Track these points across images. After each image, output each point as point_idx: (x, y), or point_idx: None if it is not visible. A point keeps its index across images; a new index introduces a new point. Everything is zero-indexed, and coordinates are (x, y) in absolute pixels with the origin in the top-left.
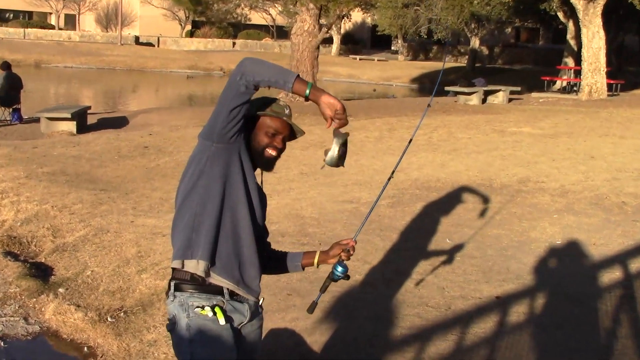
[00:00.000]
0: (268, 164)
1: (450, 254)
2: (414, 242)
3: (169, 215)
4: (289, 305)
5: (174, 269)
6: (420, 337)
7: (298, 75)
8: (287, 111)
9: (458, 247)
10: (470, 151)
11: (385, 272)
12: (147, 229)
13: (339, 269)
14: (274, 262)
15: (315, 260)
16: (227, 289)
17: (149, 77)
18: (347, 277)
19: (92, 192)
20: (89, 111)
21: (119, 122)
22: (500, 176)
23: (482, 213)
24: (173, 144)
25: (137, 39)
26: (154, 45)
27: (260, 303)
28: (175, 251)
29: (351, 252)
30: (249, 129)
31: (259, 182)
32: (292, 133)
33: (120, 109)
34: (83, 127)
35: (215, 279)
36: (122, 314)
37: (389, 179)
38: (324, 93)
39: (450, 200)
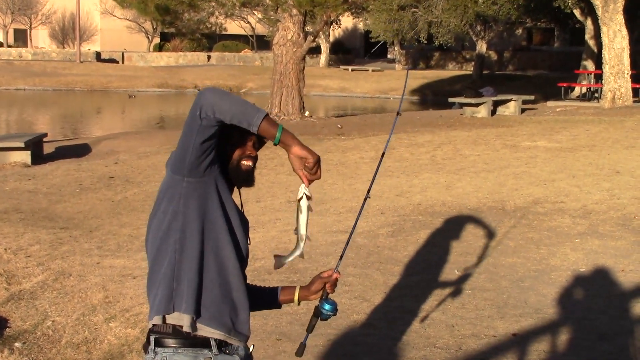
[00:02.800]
0: (248, 178)
1: (459, 287)
2: (419, 276)
3: (139, 255)
4: (279, 351)
5: (154, 325)
6: None
7: (267, 114)
8: None
9: (468, 279)
10: (479, 170)
11: (387, 311)
12: (115, 270)
13: (327, 306)
14: (250, 297)
15: (296, 297)
16: (216, 339)
17: (114, 97)
18: (336, 313)
19: (51, 231)
20: (45, 139)
21: (80, 151)
22: (514, 197)
23: (494, 240)
24: (142, 173)
25: (98, 55)
26: (118, 62)
27: (250, 350)
28: (155, 305)
29: (335, 285)
30: (221, 148)
31: (239, 206)
32: (259, 138)
33: (82, 136)
34: (39, 158)
35: (204, 330)
36: None
37: (365, 200)
38: (296, 142)
39: (458, 227)
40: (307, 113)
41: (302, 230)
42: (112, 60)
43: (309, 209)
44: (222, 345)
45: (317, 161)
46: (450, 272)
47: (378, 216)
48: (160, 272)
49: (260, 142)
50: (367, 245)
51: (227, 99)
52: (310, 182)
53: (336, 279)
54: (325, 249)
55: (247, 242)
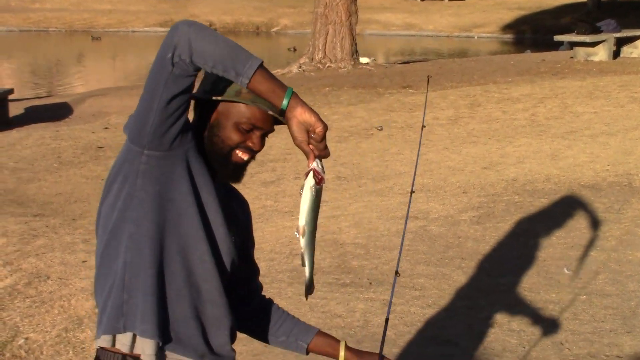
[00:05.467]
0: (235, 173)
1: (570, 292)
2: (514, 276)
3: None
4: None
5: (100, 349)
6: None
7: (262, 63)
8: None
9: (582, 281)
10: (596, 133)
11: (471, 323)
12: None
13: None
14: (263, 320)
15: (341, 355)
16: None
17: (103, 40)
18: None
19: (21, 220)
20: (10, 97)
21: (57, 112)
22: None
23: (617, 227)
24: None
25: None
26: None
27: None
28: (102, 321)
29: None
30: (202, 118)
31: (230, 194)
32: (275, 122)
33: (59, 92)
34: (3, 122)
35: (169, 358)
36: None
37: (410, 197)
38: (302, 103)
39: (567, 210)
40: (363, 59)
41: (308, 253)
42: None
43: (315, 195)
44: None
45: (324, 130)
46: (558, 271)
47: (459, 196)
48: (109, 277)
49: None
50: (444, 236)
51: (211, 37)
52: (318, 159)
53: None
54: (388, 241)
55: (244, 244)
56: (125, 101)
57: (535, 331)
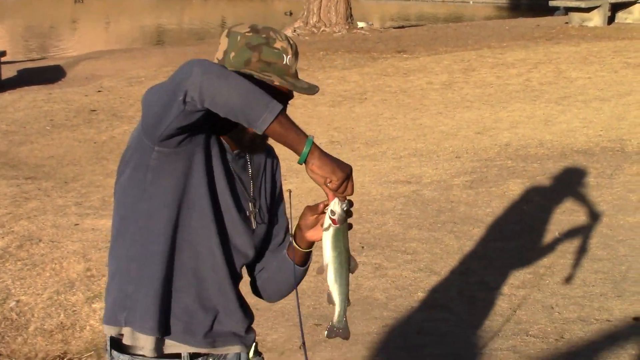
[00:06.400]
0: (254, 144)
1: (561, 256)
2: (506, 241)
3: None
4: (318, 340)
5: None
6: None
7: (282, 110)
8: (294, 69)
9: (573, 245)
10: (590, 98)
11: (463, 287)
12: (100, 234)
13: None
14: (280, 273)
15: (294, 243)
16: (190, 352)
17: (85, 3)
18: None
19: (13, 183)
20: (3, 59)
21: (50, 75)
22: (638, 134)
23: (609, 192)
24: (134, 104)
25: None
26: None
27: (250, 354)
28: (107, 308)
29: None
30: None
31: (260, 170)
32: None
33: (52, 55)
34: None
35: (174, 347)
36: None
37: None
38: (317, 153)
39: (560, 175)
40: (360, 24)
41: (336, 291)
42: None
43: (334, 234)
44: (197, 356)
45: (346, 178)
46: (549, 235)
47: (452, 161)
48: (119, 262)
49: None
50: (437, 200)
51: (224, 85)
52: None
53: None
54: (380, 205)
55: (248, 221)
56: (119, 64)
57: (526, 294)
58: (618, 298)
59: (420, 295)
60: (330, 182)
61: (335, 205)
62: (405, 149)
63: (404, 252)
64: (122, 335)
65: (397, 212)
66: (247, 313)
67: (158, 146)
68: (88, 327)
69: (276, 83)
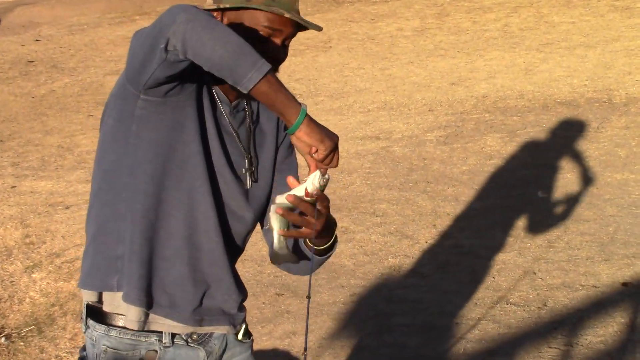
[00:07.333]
0: None
1: (544, 217)
2: (484, 200)
3: (73, 174)
4: (280, 311)
5: (88, 306)
6: (498, 355)
7: (270, 70)
8: None
9: (557, 205)
10: (574, 44)
11: (437, 252)
12: (40, 197)
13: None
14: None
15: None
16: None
17: None
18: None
19: None
20: None
21: None
22: (626, 84)
23: (595, 147)
24: (76, 55)
25: None
26: None
27: (239, 335)
28: (87, 271)
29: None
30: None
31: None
32: (299, 26)
33: None
34: None
35: (157, 324)
36: (2, 339)
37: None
38: (309, 123)
39: (543, 129)
40: None
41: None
42: None
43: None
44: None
45: (335, 148)
46: (531, 194)
47: (424, 114)
48: (106, 221)
49: (296, 31)
50: (408, 157)
51: (210, 36)
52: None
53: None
54: (347, 163)
55: (242, 182)
56: (58, 10)
57: (505, 259)
58: (605, 262)
59: (391, 260)
60: (317, 151)
61: (316, 179)
62: (373, 102)
63: (373, 214)
64: (101, 302)
65: (365, 170)
66: (241, 289)
67: (144, 94)
68: (28, 299)
69: (287, 16)
